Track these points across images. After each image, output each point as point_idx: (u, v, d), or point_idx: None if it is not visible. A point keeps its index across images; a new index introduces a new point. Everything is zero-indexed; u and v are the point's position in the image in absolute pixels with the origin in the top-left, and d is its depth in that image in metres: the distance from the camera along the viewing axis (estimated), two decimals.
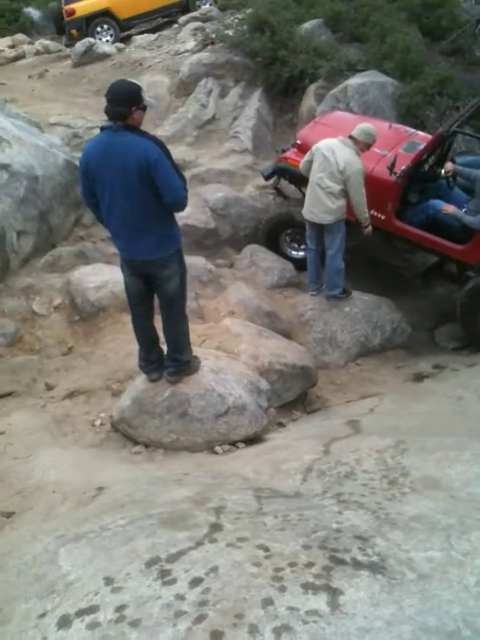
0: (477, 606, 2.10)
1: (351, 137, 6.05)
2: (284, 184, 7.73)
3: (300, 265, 7.23)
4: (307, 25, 10.64)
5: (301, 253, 7.37)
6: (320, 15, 10.91)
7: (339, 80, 9.34)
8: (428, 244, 6.69)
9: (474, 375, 5.55)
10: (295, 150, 7.16)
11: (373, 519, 2.67)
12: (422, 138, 7.06)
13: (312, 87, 9.57)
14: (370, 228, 6.37)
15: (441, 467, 3.24)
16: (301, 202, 6.79)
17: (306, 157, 6.33)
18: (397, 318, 6.74)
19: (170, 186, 3.74)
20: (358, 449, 3.65)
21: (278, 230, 7.49)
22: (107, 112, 3.69)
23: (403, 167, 6.39)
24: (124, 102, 3.65)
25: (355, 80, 9.08)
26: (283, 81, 9.83)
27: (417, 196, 7.06)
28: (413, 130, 7.41)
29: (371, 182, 6.41)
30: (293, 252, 7.58)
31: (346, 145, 6.01)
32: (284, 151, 7.47)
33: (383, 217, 6.69)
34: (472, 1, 12.81)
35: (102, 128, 3.80)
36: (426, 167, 7.07)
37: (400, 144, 6.89)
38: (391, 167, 6.28)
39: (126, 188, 3.72)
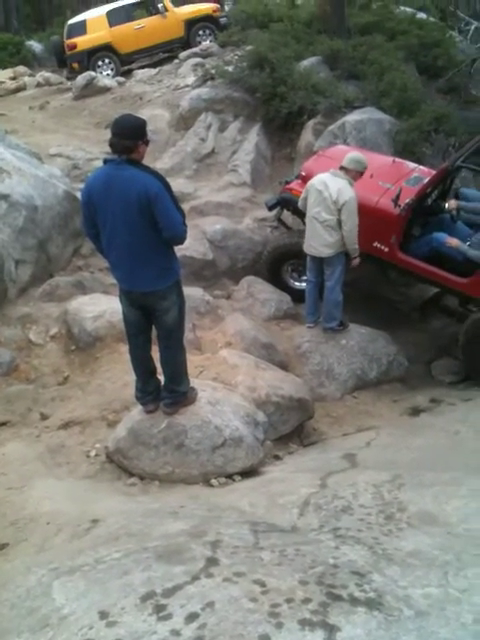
0: None
1: (342, 168, 6.16)
2: (286, 215, 7.79)
3: (302, 296, 7.18)
4: (306, 62, 10.83)
5: (304, 284, 7.33)
6: (319, 52, 11.11)
7: (337, 116, 9.48)
8: (431, 277, 6.72)
9: (471, 409, 5.55)
10: (299, 181, 7.23)
11: (370, 554, 2.66)
12: (425, 173, 7.14)
13: (310, 123, 9.72)
14: (358, 259, 6.39)
15: (438, 502, 3.23)
16: (303, 233, 6.85)
17: (302, 194, 6.44)
18: (393, 351, 6.75)
19: (169, 220, 3.78)
20: (355, 483, 3.64)
21: (281, 261, 7.52)
22: (113, 145, 3.74)
23: (407, 200, 6.44)
24: (131, 136, 3.72)
25: (353, 117, 9.22)
26: (282, 116, 9.97)
27: (420, 229, 7.11)
28: (416, 165, 7.49)
29: (375, 214, 6.52)
30: (295, 283, 7.60)
31: (338, 176, 6.11)
32: (288, 183, 7.55)
33: (386, 249, 6.72)
34: (468, 42, 13.12)
35: (105, 161, 3.86)
36: (429, 201, 7.13)
37: (404, 178, 6.97)
38: (396, 199, 6.34)
39: (127, 221, 3.76)
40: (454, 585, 2.41)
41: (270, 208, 7.73)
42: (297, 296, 7.37)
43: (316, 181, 6.22)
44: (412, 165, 7.47)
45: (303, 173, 7.23)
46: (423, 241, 6.84)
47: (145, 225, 3.78)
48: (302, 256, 6.89)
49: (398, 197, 6.35)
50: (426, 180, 6.77)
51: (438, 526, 2.97)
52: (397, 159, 7.62)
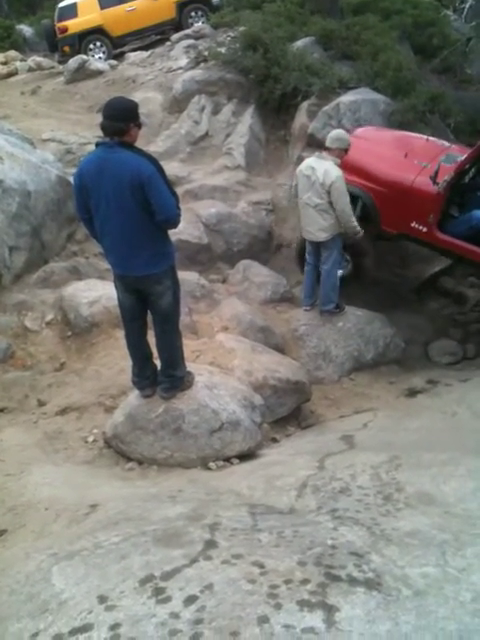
0: (473, 623, 2.10)
1: (326, 148, 6.15)
2: None
3: (343, 282, 6.96)
4: (299, 43, 10.70)
5: (339, 271, 7.05)
6: (312, 33, 10.98)
7: (331, 97, 9.39)
8: (473, 256, 6.54)
9: (468, 390, 5.56)
10: None
11: (368, 535, 2.66)
12: (459, 150, 7.01)
13: (304, 104, 9.62)
14: (360, 234, 6.33)
15: (436, 483, 3.23)
16: None
17: (293, 182, 6.40)
18: (390, 333, 6.76)
19: (163, 203, 3.75)
20: (353, 465, 3.64)
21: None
22: (104, 128, 3.71)
23: (446, 177, 6.27)
24: (122, 118, 3.68)
25: (347, 97, 9.13)
26: (276, 98, 9.87)
27: (458, 208, 7.02)
28: (449, 143, 7.37)
29: (413, 194, 6.45)
30: None
31: (322, 158, 6.10)
32: None
33: (425, 229, 6.58)
34: (462, 20, 12.99)
35: (97, 144, 3.82)
36: (467, 178, 7.03)
37: (439, 156, 6.82)
38: (434, 177, 6.20)
39: (120, 204, 3.73)
40: (452, 564, 2.42)
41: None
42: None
43: (303, 166, 6.22)
44: (446, 143, 7.34)
45: None
46: (462, 219, 6.73)
47: (138, 208, 3.74)
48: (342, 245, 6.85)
49: (436, 174, 6.19)
50: (463, 157, 6.58)
51: (436, 506, 2.98)
52: (430, 137, 7.46)
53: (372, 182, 6.76)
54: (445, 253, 6.97)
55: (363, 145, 7.02)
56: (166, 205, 3.77)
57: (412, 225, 6.58)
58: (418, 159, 6.72)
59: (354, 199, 6.85)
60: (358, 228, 6.25)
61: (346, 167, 6.58)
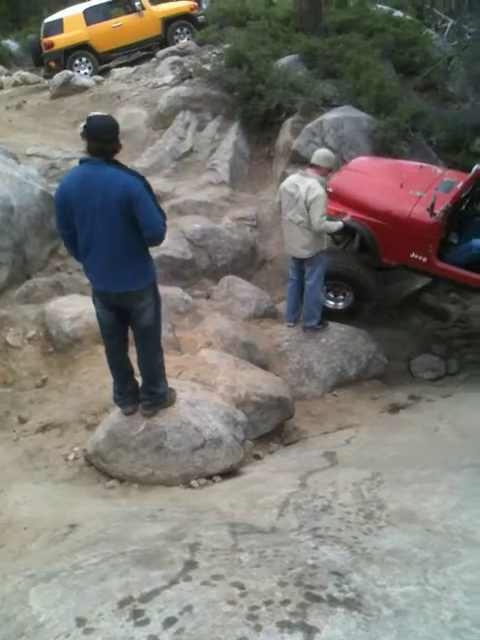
0: None
1: (313, 165, 6.20)
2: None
3: (336, 316, 7.05)
4: (283, 60, 10.82)
5: (340, 304, 7.24)
6: (296, 51, 11.11)
7: (315, 114, 9.48)
8: (474, 284, 6.56)
9: (449, 406, 5.58)
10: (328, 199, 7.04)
11: (349, 554, 2.65)
12: (455, 176, 7.06)
13: (288, 121, 9.71)
14: (340, 224, 6.35)
15: (417, 500, 3.23)
16: (341, 254, 6.96)
17: (276, 199, 6.46)
18: (373, 349, 6.78)
19: (151, 221, 3.76)
20: (335, 482, 3.63)
21: None
22: (93, 150, 3.71)
23: (442, 207, 6.30)
24: (109, 139, 3.72)
25: (330, 115, 9.23)
26: (260, 115, 9.94)
27: (457, 235, 7.06)
28: (443, 169, 7.41)
29: (410, 225, 6.48)
30: (330, 302, 7.28)
31: (307, 176, 6.16)
32: None
33: (425, 259, 6.60)
34: (444, 39, 13.19)
35: (81, 160, 3.81)
36: (464, 206, 7.09)
37: (434, 184, 6.85)
38: (431, 208, 6.21)
39: (106, 221, 3.72)
40: (433, 583, 2.41)
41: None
42: (330, 316, 7.03)
43: (286, 184, 6.27)
44: (440, 169, 7.40)
45: (330, 190, 6.96)
46: (462, 248, 6.76)
47: (125, 225, 3.74)
48: (337, 277, 6.90)
49: (433, 206, 6.21)
50: (459, 185, 6.64)
51: (417, 524, 2.97)
52: (424, 165, 7.54)
53: (369, 215, 6.78)
54: (447, 282, 6.98)
55: (357, 177, 7.11)
56: (154, 223, 3.78)
57: (412, 256, 6.61)
58: (413, 189, 6.76)
59: (352, 233, 6.91)
60: (335, 226, 6.29)
61: (342, 200, 6.70)
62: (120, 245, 3.82)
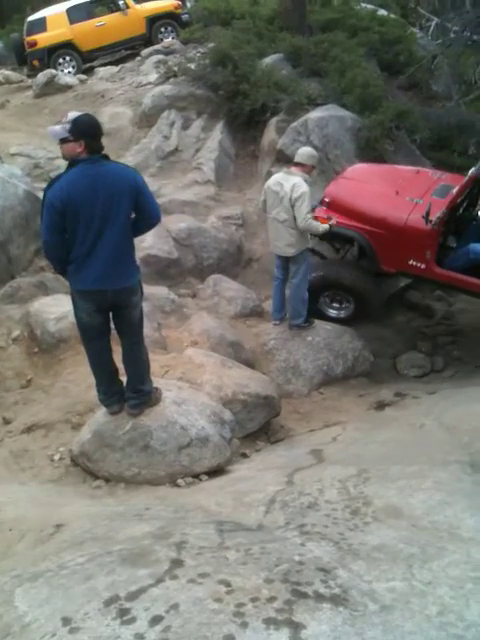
0: (439, 637, 2.10)
1: (297, 163, 6.23)
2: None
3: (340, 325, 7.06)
4: (268, 59, 10.82)
5: (342, 313, 7.26)
6: (281, 50, 11.12)
7: (299, 113, 9.50)
8: (474, 288, 6.57)
9: (435, 403, 5.60)
10: (324, 208, 7.02)
11: (335, 550, 2.66)
12: (451, 179, 7.05)
13: (273, 120, 9.72)
14: (326, 227, 6.38)
15: (403, 496, 3.24)
16: (340, 263, 7.01)
17: (261, 197, 6.47)
18: (359, 346, 6.80)
19: (154, 208, 3.94)
20: (321, 479, 3.64)
21: (318, 291, 7.15)
22: (94, 148, 3.72)
23: (438, 214, 6.27)
24: (98, 134, 3.78)
25: (315, 113, 9.25)
26: (245, 114, 9.95)
27: (455, 239, 7.06)
28: (440, 173, 7.38)
29: (407, 233, 6.48)
30: (333, 312, 7.32)
31: (291, 174, 6.19)
32: (313, 210, 7.25)
33: (423, 266, 6.59)
34: (428, 38, 13.25)
35: (73, 163, 3.75)
36: (460, 210, 7.08)
37: (431, 189, 6.84)
38: (426, 216, 6.19)
39: (115, 216, 3.74)
40: (419, 578, 2.43)
41: None
42: (337, 323, 7.10)
43: (271, 182, 6.30)
44: (437, 173, 7.37)
45: (327, 199, 7.04)
46: (460, 253, 6.76)
47: (127, 218, 3.83)
48: (339, 286, 6.96)
49: (428, 213, 6.19)
50: (455, 189, 6.61)
51: (403, 519, 2.99)
52: (420, 169, 7.55)
53: (366, 223, 6.76)
54: (446, 287, 6.99)
55: (354, 186, 7.12)
56: (156, 208, 3.97)
57: (410, 263, 6.61)
58: (409, 195, 6.76)
59: (350, 241, 6.93)
60: (320, 228, 6.30)
61: (339, 209, 6.72)
62: (123, 240, 3.86)
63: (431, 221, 6.26)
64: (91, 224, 3.74)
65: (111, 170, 3.75)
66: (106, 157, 3.79)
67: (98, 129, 3.78)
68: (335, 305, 7.32)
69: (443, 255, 6.77)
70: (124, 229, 3.83)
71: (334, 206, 6.87)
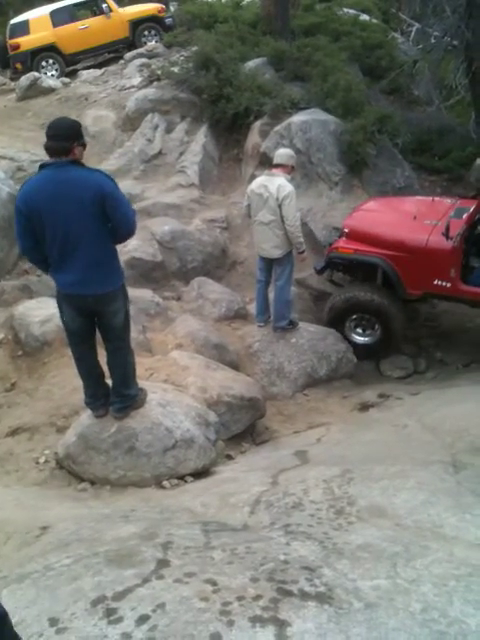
0: (423, 633, 2.13)
1: (278, 165, 6.29)
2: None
3: (365, 352, 7.13)
4: (251, 63, 10.87)
5: (367, 339, 7.24)
6: (264, 54, 11.15)
7: (283, 117, 9.56)
8: None
9: (418, 403, 5.66)
10: (344, 239, 7.08)
11: (320, 549, 2.69)
12: (467, 203, 7.12)
13: (257, 124, 9.76)
14: (305, 254, 6.46)
15: (387, 495, 3.28)
16: (370, 284, 7.02)
17: (245, 202, 6.51)
18: (343, 349, 6.84)
19: (126, 217, 3.80)
20: (305, 479, 3.67)
21: (344, 316, 7.16)
22: (49, 148, 3.67)
23: (458, 230, 6.39)
24: (66, 137, 3.66)
25: (298, 117, 9.31)
26: (228, 118, 9.98)
27: (477, 261, 7.11)
28: (455, 199, 7.45)
29: (429, 253, 6.53)
30: (358, 338, 7.25)
31: (274, 176, 6.22)
32: (331, 244, 7.34)
33: (449, 285, 6.62)
34: (410, 43, 13.35)
35: (42, 166, 3.74)
36: (479, 229, 7.14)
37: (448, 213, 6.90)
38: (446, 232, 6.26)
39: (82, 222, 3.69)
40: (403, 576, 2.47)
41: (319, 272, 7.51)
42: (360, 352, 7.07)
43: (254, 185, 6.33)
44: (451, 199, 7.45)
45: (346, 230, 7.07)
46: None
47: (98, 225, 3.74)
48: (364, 310, 6.98)
49: (448, 229, 6.27)
50: (471, 209, 6.72)
51: (387, 519, 3.03)
52: (436, 198, 7.63)
53: (388, 249, 6.79)
54: (474, 304, 6.96)
55: (372, 216, 7.23)
56: (129, 218, 3.83)
57: (435, 283, 6.64)
58: (427, 219, 6.83)
59: (374, 268, 6.98)
60: (303, 246, 6.35)
61: (359, 238, 6.83)
62: (97, 246, 3.80)
63: (451, 238, 6.33)
64: (56, 229, 3.70)
65: (75, 176, 3.65)
66: (76, 162, 3.71)
67: (57, 129, 3.68)
68: (359, 330, 7.28)
69: (467, 274, 6.80)
70: (96, 234, 3.76)
71: (354, 236, 6.93)
